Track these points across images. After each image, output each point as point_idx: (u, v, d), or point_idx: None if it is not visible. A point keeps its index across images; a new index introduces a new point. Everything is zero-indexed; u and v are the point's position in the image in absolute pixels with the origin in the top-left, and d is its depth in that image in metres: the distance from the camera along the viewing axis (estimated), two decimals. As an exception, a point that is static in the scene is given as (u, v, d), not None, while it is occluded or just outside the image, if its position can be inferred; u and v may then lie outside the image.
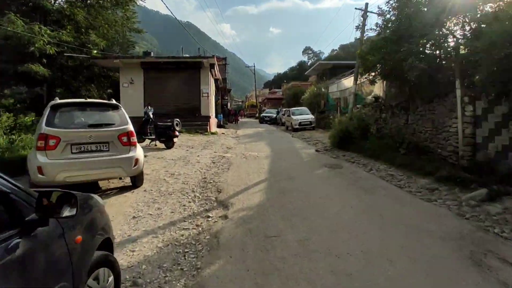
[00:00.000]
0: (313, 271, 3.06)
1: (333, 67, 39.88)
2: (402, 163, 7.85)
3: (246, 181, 6.91)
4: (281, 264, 3.26)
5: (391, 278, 2.87)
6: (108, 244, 2.61)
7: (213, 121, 20.70)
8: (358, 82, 18.11)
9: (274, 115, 33.09)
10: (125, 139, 5.81)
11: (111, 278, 2.45)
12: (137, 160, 5.95)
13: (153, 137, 11.91)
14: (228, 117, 32.67)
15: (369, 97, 15.29)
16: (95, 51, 19.19)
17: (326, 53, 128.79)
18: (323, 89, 24.79)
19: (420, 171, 7.13)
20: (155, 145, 12.13)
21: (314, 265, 3.19)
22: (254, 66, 55.88)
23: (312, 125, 20.17)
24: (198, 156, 10.01)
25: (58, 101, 5.85)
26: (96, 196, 2.62)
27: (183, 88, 19.18)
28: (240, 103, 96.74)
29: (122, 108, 6.22)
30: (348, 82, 20.23)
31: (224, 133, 19.04)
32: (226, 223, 4.57)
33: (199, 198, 5.85)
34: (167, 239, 4.06)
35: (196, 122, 18.31)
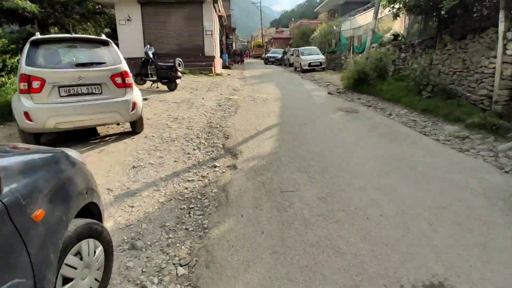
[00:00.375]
0: (341, 237, 2.57)
1: (346, 3, 36.79)
2: (426, 108, 7.09)
3: (256, 126, 6.30)
4: (302, 227, 2.77)
5: (438, 250, 2.37)
6: (92, 210, 2.10)
7: (218, 61, 19.49)
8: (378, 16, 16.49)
9: (280, 56, 31.33)
10: (119, 80, 5.08)
11: (99, 250, 1.97)
12: (134, 104, 5.29)
13: (155, 78, 11.08)
14: (234, 57, 31.03)
15: (387, 35, 13.92)
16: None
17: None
18: (335, 27, 22.87)
19: (447, 117, 6.42)
20: (157, 87, 11.35)
21: (341, 229, 2.70)
22: (260, 2, 51.78)
23: (322, 66, 18.93)
24: (203, 98, 9.29)
25: (39, 36, 5.03)
26: (70, 152, 2.03)
27: (185, 26, 17.69)
28: (246, 43, 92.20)
29: (113, 45, 5.39)
30: (362, 19, 18.45)
31: (230, 74, 18.00)
32: (235, 174, 4.06)
33: (204, 145, 5.30)
34: (170, 193, 3.58)
35: (200, 63, 17.20)
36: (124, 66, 5.21)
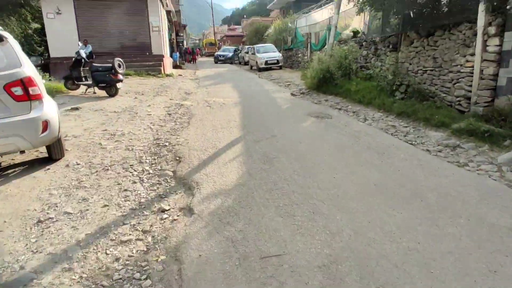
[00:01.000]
0: None
1: (298, 0, 36.62)
2: (403, 111, 6.40)
3: (215, 142, 5.09)
4: None
5: None
6: None
7: (168, 61, 17.80)
8: (330, 13, 15.98)
9: (231, 54, 30.02)
10: (18, 90, 3.57)
11: None
12: (46, 123, 3.81)
13: (89, 82, 9.32)
14: (185, 56, 29.20)
15: (346, 31, 13.39)
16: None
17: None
18: (289, 24, 22.22)
19: (428, 121, 5.73)
20: (94, 92, 9.59)
21: None
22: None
23: (280, 64, 18.10)
24: (150, 106, 7.83)
25: None
26: None
27: (129, 22, 15.78)
28: (197, 41, 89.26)
29: (10, 40, 3.83)
30: (319, 15, 17.92)
31: (181, 75, 16.43)
32: (192, 224, 2.84)
33: (149, 174, 3.99)
34: (90, 273, 2.28)
35: (147, 63, 15.44)
36: (27, 71, 3.70)
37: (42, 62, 9.85)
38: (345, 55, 9.63)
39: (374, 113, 6.86)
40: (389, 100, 7.02)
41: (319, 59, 9.68)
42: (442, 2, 7.27)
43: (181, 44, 29.57)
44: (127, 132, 5.59)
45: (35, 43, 19.44)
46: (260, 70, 17.98)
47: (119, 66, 8.97)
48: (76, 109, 7.40)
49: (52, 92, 8.92)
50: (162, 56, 16.28)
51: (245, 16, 66.94)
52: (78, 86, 9.66)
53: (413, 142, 4.99)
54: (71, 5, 15.03)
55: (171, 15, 21.55)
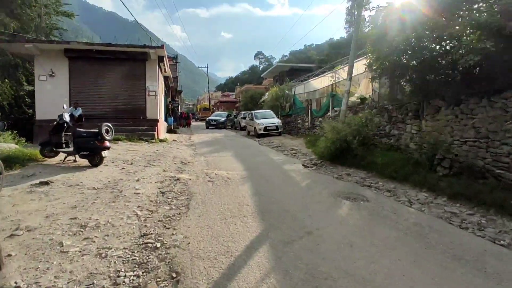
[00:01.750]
0: None
1: (291, 70, 37.99)
2: (456, 192, 5.10)
3: (227, 243, 3.56)
4: None
5: None
6: None
7: (162, 125, 16.82)
8: (331, 80, 15.71)
9: (223, 119, 29.08)
10: None
11: None
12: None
13: (70, 149, 7.94)
14: (180, 120, 28.61)
15: (353, 98, 12.78)
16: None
17: (277, 58, 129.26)
18: (286, 91, 22.15)
19: (502, 209, 4.40)
20: (75, 160, 8.15)
21: None
22: (208, 67, 51.99)
23: (279, 131, 17.28)
24: (138, 180, 6.36)
25: None
26: None
27: (124, 85, 15.08)
28: (191, 106, 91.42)
29: None
30: (318, 83, 17.73)
31: (176, 140, 15.28)
32: None
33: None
34: None
35: (140, 127, 14.35)
36: None
37: (6, 127, 8.54)
38: (364, 123, 8.65)
39: (416, 193, 5.53)
40: (431, 177, 5.75)
41: (333, 128, 8.64)
42: (476, 69, 6.51)
43: (176, 109, 29.22)
44: (103, 223, 4.04)
45: (25, 106, 18.44)
46: (259, 136, 17.05)
47: (107, 132, 7.72)
48: (46, 183, 5.88)
49: (22, 160, 7.45)
50: (157, 120, 15.30)
51: (238, 83, 69.47)
52: (56, 154, 8.24)
53: (503, 243, 3.57)
54: (66, 67, 14.36)
55: (169, 80, 21.31)
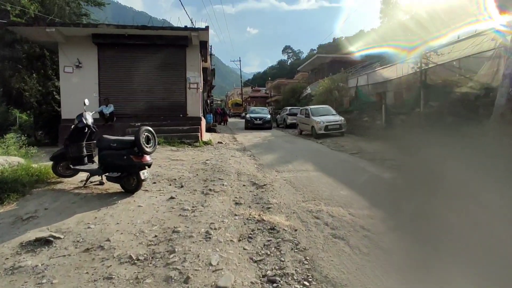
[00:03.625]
0: None
1: (332, 61, 34.32)
2: None
3: None
4: None
5: None
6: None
7: (204, 124, 14.13)
8: (414, 68, 12.30)
9: (268, 116, 21.74)
10: None
11: None
12: None
13: (94, 167, 5.30)
14: (216, 117, 26.02)
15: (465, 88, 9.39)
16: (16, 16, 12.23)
17: (305, 52, 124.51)
18: (340, 84, 18.84)
19: None
20: (101, 182, 5.49)
21: None
22: (240, 60, 49.23)
23: (342, 130, 14.08)
24: (208, 236, 3.48)
25: None
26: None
27: (161, 76, 12.50)
28: (219, 102, 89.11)
29: None
30: (390, 72, 14.33)
31: (221, 142, 12.51)
32: None
33: None
34: None
35: (180, 127, 11.69)
36: None
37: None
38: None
39: None
40: None
41: None
42: None
43: (212, 104, 26.63)
44: None
45: (54, 103, 16.27)
46: (318, 136, 13.95)
47: (148, 140, 4.97)
48: (47, 241, 3.19)
49: (24, 184, 4.84)
50: (199, 119, 12.59)
51: (269, 78, 66.27)
52: (75, 172, 5.61)
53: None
54: (94, 56, 11.94)
55: (207, 72, 18.63)
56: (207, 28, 11.62)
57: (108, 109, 11.21)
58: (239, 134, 17.39)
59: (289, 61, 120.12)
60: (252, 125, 20.98)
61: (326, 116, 14.58)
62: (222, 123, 27.37)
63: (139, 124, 11.32)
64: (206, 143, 11.57)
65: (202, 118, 13.16)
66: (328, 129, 13.88)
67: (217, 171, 6.68)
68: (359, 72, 18.74)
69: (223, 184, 5.67)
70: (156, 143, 5.19)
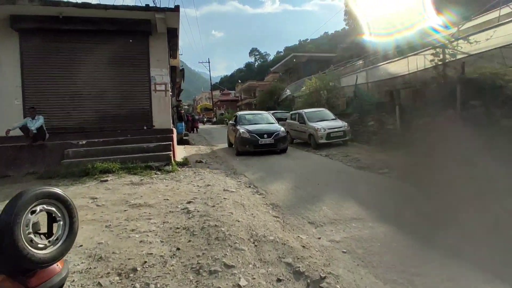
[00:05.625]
0: None
1: (309, 60, 32.25)
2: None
3: None
4: None
5: None
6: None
7: (175, 137, 10.85)
8: (434, 60, 10.06)
9: (282, 129, 10.88)
10: None
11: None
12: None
13: None
14: (187, 125, 22.56)
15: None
16: None
17: (272, 54, 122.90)
18: (330, 83, 16.39)
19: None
20: None
21: None
22: (209, 61, 45.83)
23: (346, 138, 11.51)
24: None
25: None
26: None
27: (116, 75, 9.16)
28: (186, 107, 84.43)
29: None
30: (399, 66, 12.03)
31: (200, 161, 9.32)
32: None
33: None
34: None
35: (146, 144, 8.39)
36: None
37: None
38: None
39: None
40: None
41: None
42: None
43: (182, 111, 23.12)
44: None
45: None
46: (318, 146, 11.28)
47: (49, 227, 1.81)
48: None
49: None
50: (170, 131, 9.35)
51: (239, 80, 63.38)
52: None
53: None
54: (15, 48, 8.34)
55: (176, 72, 15.29)
56: (177, 8, 8.46)
57: (36, 123, 7.69)
58: (217, 145, 14.26)
59: (256, 64, 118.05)
60: (255, 148, 10.32)
61: (326, 121, 11.94)
62: (192, 131, 24.00)
63: (84, 142, 7.92)
64: (181, 164, 8.39)
65: (173, 129, 9.93)
66: (331, 138, 11.22)
67: (214, 236, 3.59)
68: (355, 68, 16.42)
69: (234, 278, 2.65)
70: (76, 227, 2.04)
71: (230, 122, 13.25)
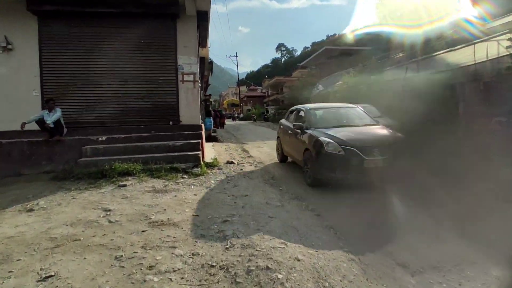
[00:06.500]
0: None
1: (342, 54, 30.29)
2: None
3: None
4: None
5: None
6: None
7: (204, 134, 9.75)
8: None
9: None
10: None
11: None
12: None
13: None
14: (215, 120, 21.65)
15: None
16: None
17: (299, 50, 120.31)
18: (372, 77, 14.71)
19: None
20: None
21: None
22: (237, 56, 44.81)
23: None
24: None
25: None
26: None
27: (139, 63, 8.18)
28: (213, 102, 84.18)
29: None
30: (464, 55, 10.24)
31: (231, 161, 8.16)
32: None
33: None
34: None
35: (171, 142, 7.32)
36: None
37: None
38: None
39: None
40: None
41: None
42: None
43: (208, 104, 22.19)
44: None
45: None
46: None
47: None
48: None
49: None
50: (199, 127, 8.28)
51: (266, 76, 62.04)
52: None
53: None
54: (33, 32, 7.55)
55: (205, 64, 14.27)
56: (208, -12, 7.32)
57: (52, 116, 6.85)
58: (249, 143, 13.09)
59: (283, 59, 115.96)
60: (357, 173, 5.21)
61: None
62: (220, 127, 23.08)
63: (104, 138, 7.00)
64: (211, 166, 7.27)
65: (202, 125, 8.86)
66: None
67: (268, 288, 2.41)
68: (395, 61, 14.63)
69: None
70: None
71: (284, 122, 8.02)
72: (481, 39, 9.48)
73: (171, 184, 5.57)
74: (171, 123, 8.10)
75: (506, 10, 12.02)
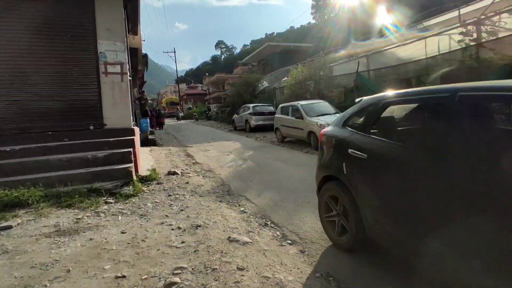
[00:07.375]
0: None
1: (284, 51, 30.09)
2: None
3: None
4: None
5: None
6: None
7: (138, 139, 7.88)
8: (464, 39, 8.25)
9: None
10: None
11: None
12: None
13: None
14: (151, 121, 19.32)
15: None
16: None
17: (238, 48, 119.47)
18: (321, 72, 14.22)
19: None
20: None
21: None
22: (175, 51, 41.92)
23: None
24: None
25: None
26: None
27: (46, 50, 6.11)
28: (150, 101, 78.61)
29: None
30: (415, 49, 10.04)
31: (174, 172, 6.60)
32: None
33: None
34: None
35: (91, 153, 5.49)
36: None
37: None
38: None
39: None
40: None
41: None
42: None
43: (143, 103, 19.73)
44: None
45: None
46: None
47: None
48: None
49: None
50: (131, 131, 6.51)
51: (206, 73, 59.86)
52: None
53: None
54: None
55: (138, 57, 12.17)
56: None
57: None
58: (193, 146, 11.48)
59: (223, 57, 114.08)
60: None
61: (328, 116, 9.71)
62: (158, 128, 20.88)
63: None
64: (147, 180, 5.67)
65: (136, 131, 7.07)
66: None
67: None
68: (341, 57, 14.33)
69: None
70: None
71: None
72: (432, 34, 9.33)
73: (87, 216, 3.88)
74: (91, 127, 6.21)
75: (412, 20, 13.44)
